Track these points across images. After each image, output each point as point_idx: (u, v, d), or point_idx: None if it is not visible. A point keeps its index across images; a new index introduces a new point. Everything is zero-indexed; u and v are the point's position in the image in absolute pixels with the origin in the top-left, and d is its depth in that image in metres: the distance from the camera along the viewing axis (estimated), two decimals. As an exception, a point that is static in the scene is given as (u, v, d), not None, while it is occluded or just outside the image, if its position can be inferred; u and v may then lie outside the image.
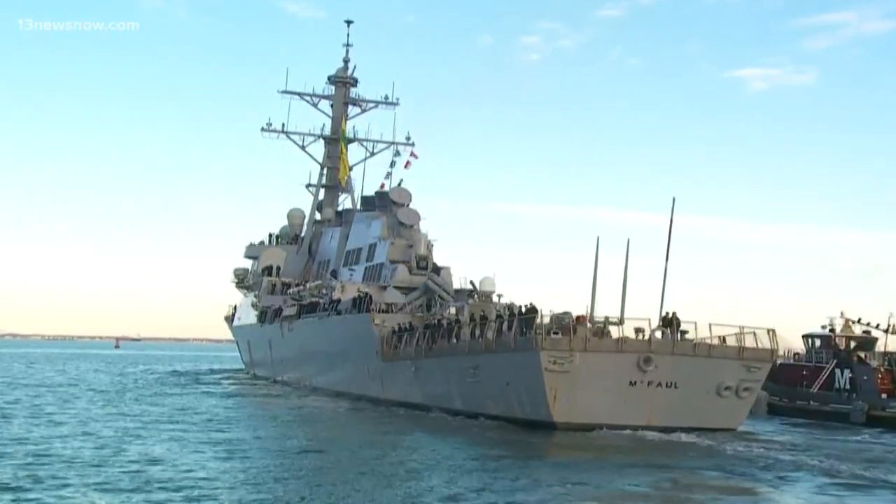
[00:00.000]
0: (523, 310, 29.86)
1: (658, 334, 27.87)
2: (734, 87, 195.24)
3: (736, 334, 28.05)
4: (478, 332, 30.22)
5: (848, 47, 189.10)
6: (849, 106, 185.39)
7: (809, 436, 28.72)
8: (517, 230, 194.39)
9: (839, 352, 37.74)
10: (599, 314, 28.73)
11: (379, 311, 37.01)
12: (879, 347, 38.07)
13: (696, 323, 27.88)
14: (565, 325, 27.33)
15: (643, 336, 27.57)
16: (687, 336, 27.89)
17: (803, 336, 39.87)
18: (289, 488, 16.25)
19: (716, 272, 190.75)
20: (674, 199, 29.87)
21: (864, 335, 38.54)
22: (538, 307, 29.73)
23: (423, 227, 44.42)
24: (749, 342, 28.00)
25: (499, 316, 31.10)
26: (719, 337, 28.25)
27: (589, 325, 28.07)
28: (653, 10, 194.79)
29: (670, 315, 28.21)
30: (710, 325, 27.92)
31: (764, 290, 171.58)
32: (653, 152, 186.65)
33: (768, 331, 28.30)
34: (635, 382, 26.75)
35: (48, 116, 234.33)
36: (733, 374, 27.63)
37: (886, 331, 37.54)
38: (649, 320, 27.71)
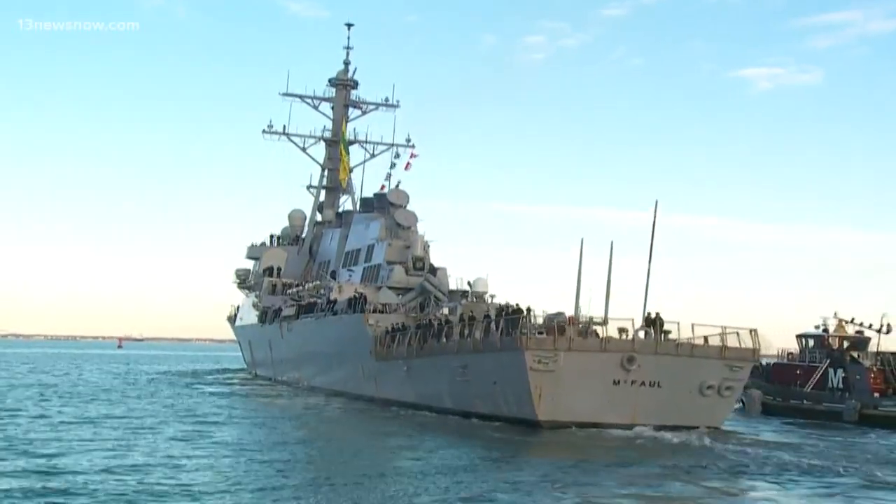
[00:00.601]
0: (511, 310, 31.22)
1: (641, 334, 29.03)
2: (739, 86, 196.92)
3: (719, 334, 29.11)
4: (467, 332, 31.29)
5: (852, 47, 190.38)
6: (853, 106, 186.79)
7: (807, 436, 29.38)
8: (516, 230, 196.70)
9: (832, 351, 38.66)
10: (595, 315, 30.10)
11: (374, 312, 38.30)
12: (872, 347, 38.87)
13: (678, 323, 29.01)
14: (550, 325, 28.66)
15: (627, 336, 28.81)
16: (670, 336, 28.92)
17: (797, 336, 40.86)
18: (284, 493, 16.35)
19: (716, 272, 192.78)
20: (657, 202, 31.01)
21: (857, 335, 39.42)
22: (531, 307, 30.99)
23: (421, 228, 45.93)
24: (732, 342, 29.07)
25: (486, 316, 32.27)
26: (703, 337, 29.35)
27: (581, 325, 29.39)
28: (656, 10, 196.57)
29: (653, 315, 29.42)
30: (692, 325, 29.04)
31: (764, 290, 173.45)
32: (655, 153, 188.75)
33: (751, 331, 29.37)
34: (619, 382, 27.81)
35: (48, 116, 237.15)
36: (716, 374, 28.67)
37: (879, 331, 38.33)
38: (633, 320, 28.94)
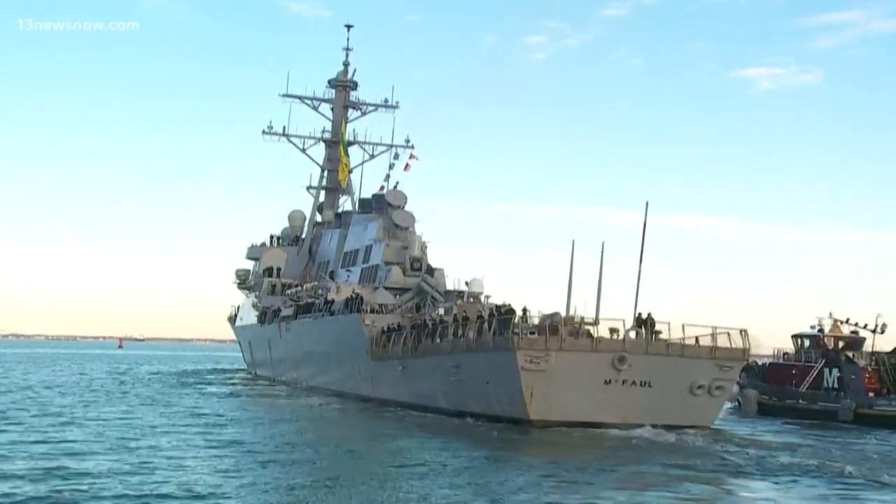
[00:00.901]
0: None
1: (632, 334, 29.62)
2: (739, 86, 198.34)
3: (709, 334, 29.63)
4: (460, 332, 31.76)
5: (854, 47, 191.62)
6: (854, 106, 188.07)
7: (804, 436, 29.87)
8: (516, 230, 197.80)
9: (828, 351, 39.21)
10: (587, 315, 30.76)
11: (370, 312, 38.95)
12: (867, 347, 39.44)
13: (669, 323, 29.55)
14: (542, 325, 29.30)
15: (618, 336, 29.41)
16: (661, 336, 29.46)
17: (792, 336, 41.45)
18: (282, 496, 16.43)
19: (717, 272, 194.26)
20: (647, 204, 31.64)
21: (852, 335, 40.05)
22: (527, 307, 31.77)
23: (419, 228, 46.70)
24: (722, 342, 29.64)
25: (479, 316, 32.74)
26: (695, 337, 29.85)
27: (573, 325, 30.03)
28: (657, 10, 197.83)
29: (644, 316, 29.98)
30: (683, 326, 29.59)
31: (764, 290, 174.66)
32: (655, 153, 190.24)
33: (741, 331, 29.93)
34: (610, 381, 28.34)
35: (48, 116, 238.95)
36: (706, 373, 29.21)
37: (874, 331, 38.93)
38: (623, 321, 29.55)
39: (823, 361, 38.85)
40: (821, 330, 40.50)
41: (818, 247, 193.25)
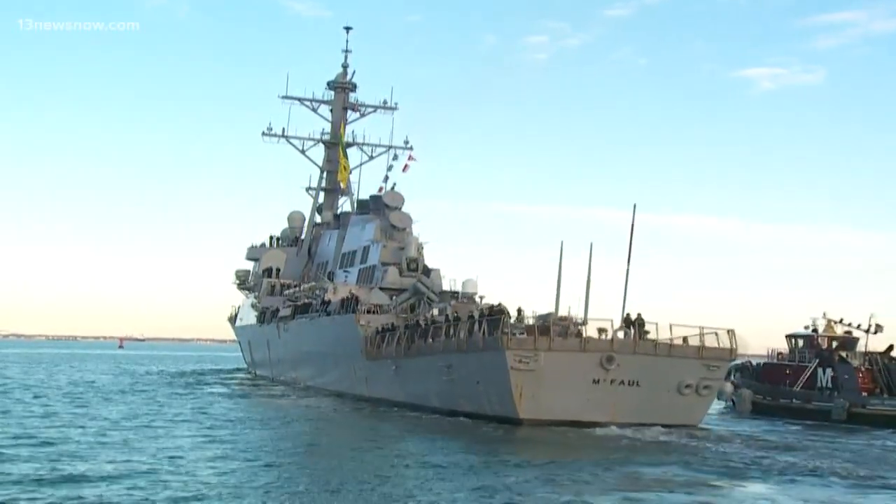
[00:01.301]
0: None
1: (620, 334, 30.45)
2: (741, 86, 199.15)
3: (697, 334, 30.44)
4: (452, 332, 32.51)
5: (855, 46, 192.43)
6: (855, 106, 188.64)
7: (799, 435, 30.52)
8: (516, 230, 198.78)
9: (821, 351, 40.00)
10: (576, 315, 31.68)
11: (366, 312, 39.86)
12: (861, 347, 40.23)
13: (657, 323, 30.41)
14: (530, 325, 30.20)
15: (606, 336, 30.27)
16: (649, 336, 30.28)
17: (787, 336, 42.23)
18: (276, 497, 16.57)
19: (717, 272, 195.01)
20: (634, 206, 32.73)
21: (846, 335, 40.79)
22: (521, 308, 32.71)
23: (416, 229, 47.62)
24: (710, 342, 30.47)
25: (470, 316, 33.47)
26: (683, 337, 30.64)
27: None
28: (658, 10, 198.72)
29: (633, 316, 30.77)
30: (670, 326, 30.42)
31: (764, 290, 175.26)
32: (656, 153, 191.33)
33: (728, 331, 30.73)
34: (599, 381, 29.16)
35: (48, 116, 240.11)
36: (694, 373, 30.03)
37: (867, 331, 39.70)
38: (612, 321, 30.35)
39: (817, 361, 39.62)
40: (815, 330, 41.30)
41: (818, 247, 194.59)
